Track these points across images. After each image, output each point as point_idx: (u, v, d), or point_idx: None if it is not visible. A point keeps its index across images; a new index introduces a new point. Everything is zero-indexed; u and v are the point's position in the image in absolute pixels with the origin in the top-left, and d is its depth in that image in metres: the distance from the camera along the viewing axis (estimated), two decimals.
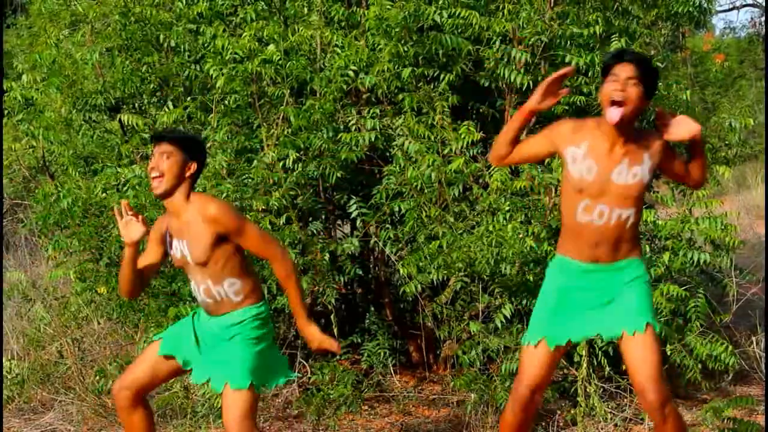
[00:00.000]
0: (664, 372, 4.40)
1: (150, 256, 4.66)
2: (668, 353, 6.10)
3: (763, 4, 32.44)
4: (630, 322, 4.28)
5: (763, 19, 32.23)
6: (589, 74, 6.56)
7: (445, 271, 6.19)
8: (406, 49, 6.41)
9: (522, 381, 4.43)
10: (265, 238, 4.52)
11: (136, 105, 7.21)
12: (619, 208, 4.26)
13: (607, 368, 6.20)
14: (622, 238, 4.32)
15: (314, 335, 4.65)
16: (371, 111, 6.50)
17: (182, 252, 4.50)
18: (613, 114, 4.15)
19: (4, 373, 6.89)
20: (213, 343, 4.55)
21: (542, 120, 6.75)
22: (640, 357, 4.24)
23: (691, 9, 7.20)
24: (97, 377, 6.55)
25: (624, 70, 4.16)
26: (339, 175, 6.32)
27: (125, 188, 6.56)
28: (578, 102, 6.56)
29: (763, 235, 13.05)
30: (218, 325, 4.52)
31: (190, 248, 4.46)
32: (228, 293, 4.49)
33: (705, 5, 7.44)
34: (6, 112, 7.47)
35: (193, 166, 4.50)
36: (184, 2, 6.83)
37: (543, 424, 6.03)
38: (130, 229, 4.51)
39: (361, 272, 7.00)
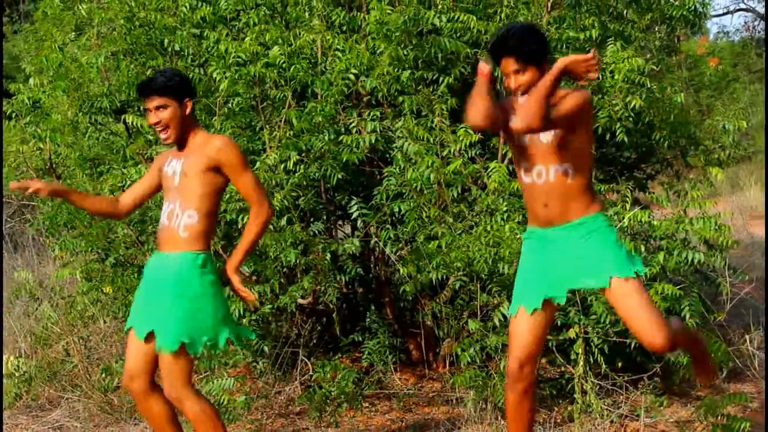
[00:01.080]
0: (659, 312, 4.46)
1: (143, 183, 4.85)
2: None
3: (756, 8, 32.48)
4: (608, 273, 4.40)
5: (756, 23, 32.24)
6: None
7: (444, 271, 6.25)
8: (405, 52, 6.48)
9: (510, 354, 4.57)
10: (258, 183, 4.71)
11: (141, 107, 7.27)
12: (552, 164, 4.44)
13: (604, 366, 6.25)
14: (569, 195, 4.47)
15: (235, 282, 4.75)
16: (371, 113, 6.57)
17: (174, 170, 4.65)
18: (521, 100, 4.37)
19: (12, 371, 6.96)
20: (152, 289, 4.71)
21: None
22: (632, 309, 4.37)
23: (685, 13, 7.27)
24: (103, 375, 6.61)
25: (507, 66, 4.38)
26: (340, 176, 6.38)
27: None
28: None
29: (756, 235, 13.12)
30: (158, 265, 4.68)
31: (184, 165, 4.62)
32: (181, 223, 4.59)
33: (700, 9, 7.52)
34: (14, 114, 7.54)
35: (189, 104, 4.69)
36: (188, 7, 6.89)
37: (540, 420, 6.07)
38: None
39: (361, 272, 7.05)
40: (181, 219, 4.59)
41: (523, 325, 4.55)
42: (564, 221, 4.49)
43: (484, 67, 4.38)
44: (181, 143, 4.70)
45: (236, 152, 4.64)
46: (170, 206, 4.62)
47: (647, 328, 4.35)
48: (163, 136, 4.65)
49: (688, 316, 6.21)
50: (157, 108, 4.62)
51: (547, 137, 4.44)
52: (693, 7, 7.43)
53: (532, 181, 4.49)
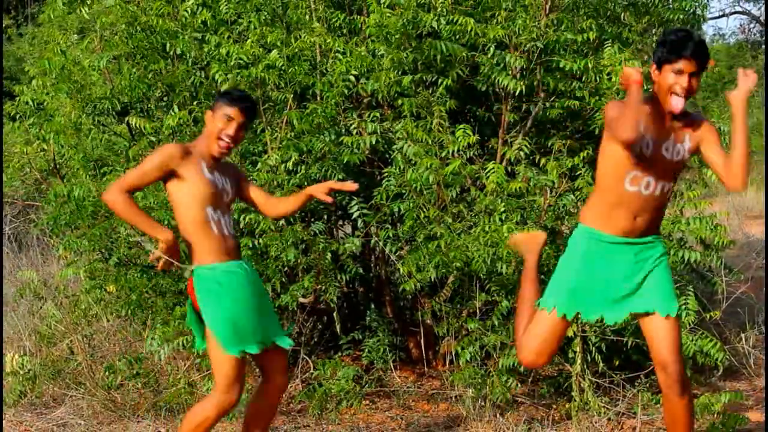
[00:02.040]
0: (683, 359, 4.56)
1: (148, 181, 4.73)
2: None
3: (751, 11, 32.51)
4: (664, 305, 4.47)
5: (751, 26, 32.27)
6: (583, 79, 6.69)
7: (444, 270, 6.30)
8: (405, 55, 6.54)
9: (542, 348, 4.67)
10: None
11: (144, 109, 7.32)
12: (662, 180, 4.46)
13: (601, 364, 6.30)
14: (659, 213, 4.55)
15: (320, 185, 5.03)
16: (371, 115, 6.63)
17: (223, 186, 4.76)
18: (677, 103, 4.38)
19: (17, 369, 7.01)
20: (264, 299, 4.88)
21: (537, 123, 6.91)
22: (667, 335, 4.44)
23: (683, 16, 7.32)
24: (107, 373, 6.66)
25: (688, 66, 4.34)
26: (340, 177, 6.44)
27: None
28: (572, 106, 6.69)
29: (752, 235, 13.17)
30: (254, 275, 4.85)
31: (231, 186, 4.82)
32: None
33: (699, 12, 7.56)
34: (17, 116, 7.59)
35: None
36: (189, 12, 6.94)
37: (538, 418, 6.13)
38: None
39: (362, 271, 7.11)
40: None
41: (563, 328, 4.65)
42: (639, 236, 4.53)
43: (636, 74, 4.38)
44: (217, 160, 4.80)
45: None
46: (225, 218, 4.75)
47: (676, 352, 4.46)
48: (224, 149, 4.74)
49: (684, 314, 6.27)
50: (242, 126, 4.76)
51: (671, 154, 4.45)
52: (692, 10, 7.48)
53: (637, 191, 4.46)
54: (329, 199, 4.95)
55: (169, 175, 4.64)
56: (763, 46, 31.99)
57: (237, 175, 4.97)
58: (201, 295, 4.61)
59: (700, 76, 4.43)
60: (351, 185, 4.93)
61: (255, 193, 5.03)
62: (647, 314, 4.51)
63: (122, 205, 4.57)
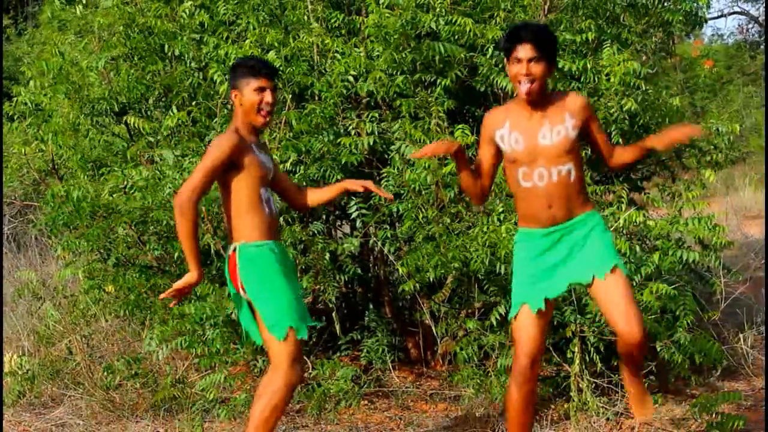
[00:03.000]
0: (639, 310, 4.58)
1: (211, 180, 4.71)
2: (658, 349, 6.21)
3: (750, 11, 32.60)
4: (597, 267, 4.54)
5: (750, 26, 32.36)
6: (582, 80, 6.70)
7: (442, 271, 6.31)
8: (404, 55, 6.54)
9: (519, 352, 4.63)
10: None
11: (142, 109, 7.32)
12: (555, 166, 4.54)
13: (599, 364, 6.30)
14: (571, 194, 4.59)
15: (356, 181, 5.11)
16: (370, 115, 6.63)
17: (269, 165, 4.81)
18: (523, 89, 4.50)
19: (16, 369, 7.01)
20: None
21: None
22: (615, 300, 4.50)
23: (682, 18, 7.33)
24: (105, 373, 6.68)
25: (525, 52, 4.47)
26: (339, 177, 6.44)
27: (132, 190, 6.69)
28: None
29: (750, 236, 13.19)
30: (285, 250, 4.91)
31: (272, 164, 4.86)
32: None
33: (700, 13, 7.58)
34: (15, 116, 7.59)
35: None
36: (187, 13, 6.95)
37: (537, 418, 6.11)
38: None
39: (360, 271, 7.12)
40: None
41: (529, 325, 4.63)
42: (566, 219, 4.60)
43: (448, 146, 4.62)
44: (256, 132, 4.84)
45: None
46: (272, 195, 4.85)
47: (629, 315, 4.48)
48: (267, 117, 4.77)
49: (682, 315, 6.29)
50: (274, 89, 4.78)
51: (552, 139, 4.54)
52: (694, 12, 7.50)
53: (533, 184, 4.57)
54: (361, 189, 5.00)
55: (229, 167, 4.67)
56: (762, 47, 32.01)
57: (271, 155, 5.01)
58: (248, 272, 4.66)
59: (546, 61, 4.52)
60: (389, 195, 5.11)
61: (286, 179, 5.09)
62: (590, 284, 4.58)
63: (187, 216, 4.55)
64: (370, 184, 5.00)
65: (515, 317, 4.67)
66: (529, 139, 4.56)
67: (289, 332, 4.60)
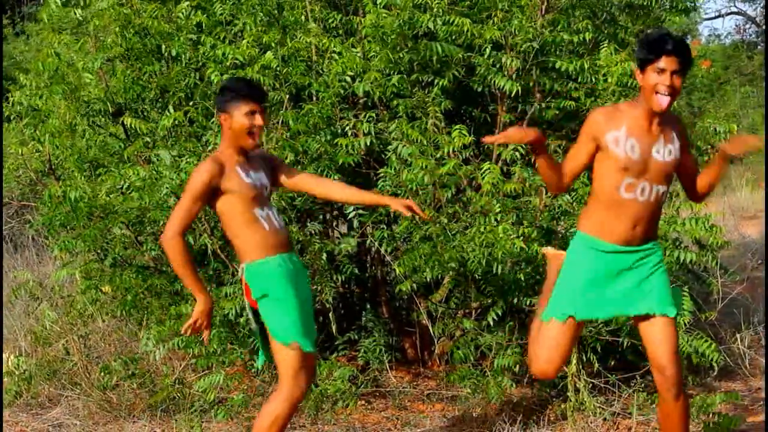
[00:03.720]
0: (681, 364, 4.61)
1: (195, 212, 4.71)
2: None
3: (747, 11, 32.66)
4: (661, 307, 4.52)
5: (747, 26, 32.44)
6: (579, 80, 6.70)
7: (439, 271, 6.32)
8: (401, 55, 6.54)
9: (548, 358, 4.67)
10: None
11: (139, 110, 7.32)
12: (657, 184, 4.49)
13: (596, 364, 6.32)
14: (657, 215, 4.58)
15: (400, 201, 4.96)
16: (367, 115, 6.63)
17: (261, 182, 4.76)
18: (663, 101, 4.38)
19: (12, 369, 7.02)
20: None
21: (533, 124, 6.91)
22: (664, 338, 4.49)
23: (678, 19, 7.35)
24: (102, 373, 6.69)
25: (670, 64, 4.35)
26: (336, 178, 6.44)
27: (129, 191, 6.68)
28: (568, 107, 6.71)
29: (747, 236, 13.22)
30: (299, 262, 4.89)
31: (266, 175, 4.82)
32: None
33: (696, 18, 7.61)
34: (12, 116, 7.59)
35: None
36: (184, 14, 6.95)
37: (534, 418, 6.14)
38: None
39: (358, 271, 7.13)
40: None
41: (568, 333, 4.64)
42: (640, 243, 4.56)
43: (531, 134, 4.51)
44: (244, 153, 4.79)
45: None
46: (272, 211, 4.78)
47: (673, 353, 4.50)
48: (255, 137, 4.73)
49: (680, 315, 6.28)
50: (262, 111, 4.74)
51: (664, 156, 4.49)
52: (689, 12, 7.53)
53: (633, 197, 4.49)
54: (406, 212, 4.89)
55: (213, 193, 4.67)
56: (759, 47, 32.08)
57: (270, 163, 4.97)
58: (257, 290, 4.67)
59: (684, 75, 4.46)
60: (425, 214, 5.08)
61: (298, 177, 5.02)
62: (645, 317, 4.55)
63: (176, 250, 4.58)
64: (412, 204, 4.88)
65: (551, 320, 4.67)
66: (645, 150, 4.46)
67: (293, 345, 4.60)
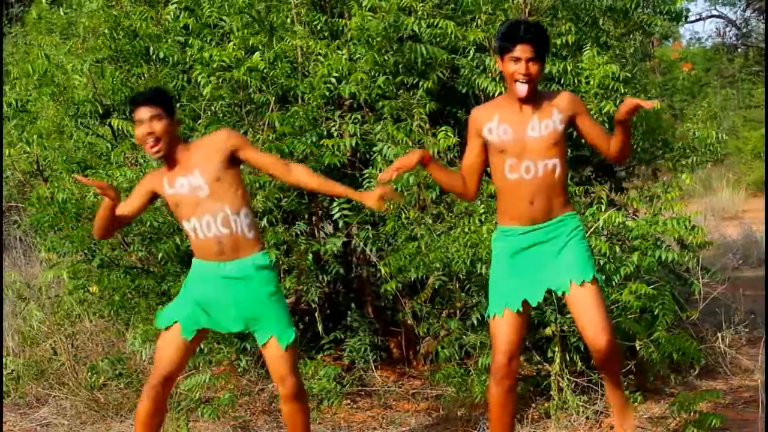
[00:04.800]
0: (611, 321, 4.71)
1: (129, 207, 4.76)
2: (637, 348, 6.28)
3: (728, 15, 32.83)
4: (574, 276, 4.62)
5: (727, 29, 32.60)
6: (562, 81, 6.75)
7: (424, 271, 6.36)
8: (386, 57, 6.60)
9: (497, 350, 4.71)
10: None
11: (126, 111, 7.34)
12: (542, 159, 4.61)
13: (579, 363, 6.36)
14: (554, 191, 4.67)
15: (371, 194, 4.83)
16: (353, 117, 6.68)
17: (192, 184, 4.62)
18: (521, 90, 4.57)
19: None
20: (236, 293, 4.70)
21: None
22: (586, 309, 4.60)
23: (660, 23, 7.42)
24: (90, 373, 6.71)
25: (524, 51, 4.53)
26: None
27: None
28: None
29: (728, 236, 13.31)
30: (239, 269, 4.67)
31: (202, 173, 4.62)
32: (243, 225, 4.65)
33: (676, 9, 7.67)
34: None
35: (175, 123, 4.72)
36: (172, 16, 6.98)
37: (518, 417, 6.14)
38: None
39: (343, 272, 7.17)
40: (241, 221, 4.65)
41: (507, 323, 4.70)
42: (546, 218, 4.67)
43: (413, 157, 4.72)
44: (170, 161, 4.68)
45: (238, 133, 4.83)
46: (221, 215, 4.61)
47: (598, 324, 4.59)
48: (154, 149, 4.59)
49: (661, 314, 6.35)
50: (152, 118, 4.57)
51: (540, 131, 4.62)
52: (673, 14, 7.60)
53: (519, 177, 4.62)
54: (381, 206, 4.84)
55: (155, 197, 4.77)
56: (740, 50, 32.21)
57: (221, 151, 4.68)
58: None
59: (541, 59, 4.61)
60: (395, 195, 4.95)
61: (269, 163, 4.85)
62: (565, 292, 4.67)
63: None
64: (383, 193, 4.78)
65: (493, 316, 4.75)
66: (518, 131, 4.62)
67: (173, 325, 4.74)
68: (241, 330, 4.77)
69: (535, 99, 4.64)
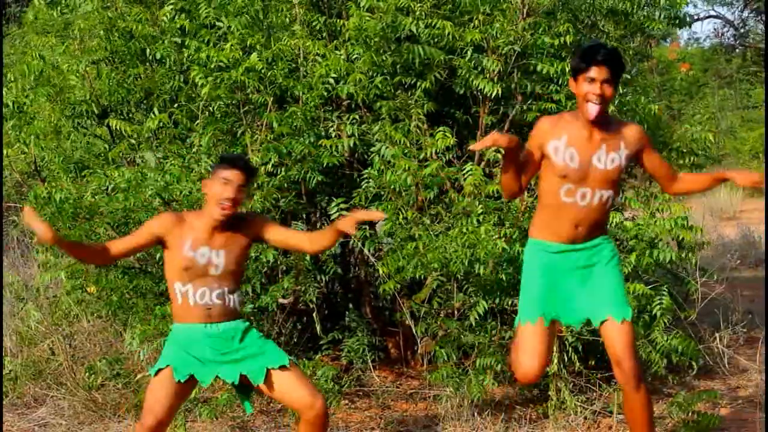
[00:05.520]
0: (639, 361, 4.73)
1: (137, 242, 4.75)
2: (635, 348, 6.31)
3: (725, 15, 32.87)
4: (617, 311, 4.65)
5: (725, 29, 32.64)
6: (560, 82, 6.76)
7: (422, 271, 6.36)
8: (384, 58, 6.60)
9: (525, 361, 4.76)
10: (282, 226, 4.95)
11: (124, 112, 7.35)
12: (600, 189, 4.62)
13: (578, 364, 6.38)
14: (600, 219, 4.70)
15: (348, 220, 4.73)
16: (351, 117, 6.68)
17: (210, 260, 4.66)
18: (592, 110, 4.53)
19: None
20: (225, 349, 4.72)
21: (514, 126, 6.97)
22: (621, 337, 4.62)
23: (660, 26, 7.43)
24: (88, 373, 6.70)
25: (600, 73, 4.51)
26: (319, 179, 6.48)
27: (114, 192, 6.71)
28: (549, 109, 6.75)
29: (726, 237, 13.32)
30: (225, 331, 4.71)
31: (227, 255, 4.69)
32: (236, 302, 4.75)
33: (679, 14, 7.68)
34: None
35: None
36: (168, 17, 6.98)
37: (516, 417, 6.19)
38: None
39: (341, 272, 7.17)
40: (235, 299, 4.75)
41: (543, 334, 4.74)
42: (586, 240, 4.70)
43: (499, 138, 4.58)
44: (210, 227, 4.70)
45: (264, 216, 5.06)
46: (217, 291, 4.67)
47: (629, 371, 4.63)
48: (226, 210, 4.63)
49: (659, 314, 6.36)
50: (240, 185, 4.65)
51: (605, 164, 4.62)
52: (674, 18, 7.62)
53: (573, 201, 4.63)
54: (353, 232, 4.75)
55: (162, 242, 4.72)
56: (738, 50, 32.23)
57: (253, 233, 4.81)
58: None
59: (616, 84, 4.60)
60: (379, 215, 4.86)
61: (287, 236, 4.90)
62: (602, 323, 4.69)
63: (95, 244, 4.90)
64: (360, 215, 4.76)
65: (527, 324, 4.77)
66: (585, 160, 4.60)
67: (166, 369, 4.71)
68: (235, 380, 4.77)
69: (604, 125, 4.63)
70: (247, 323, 4.81)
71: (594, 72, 4.51)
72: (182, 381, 4.65)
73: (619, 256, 4.85)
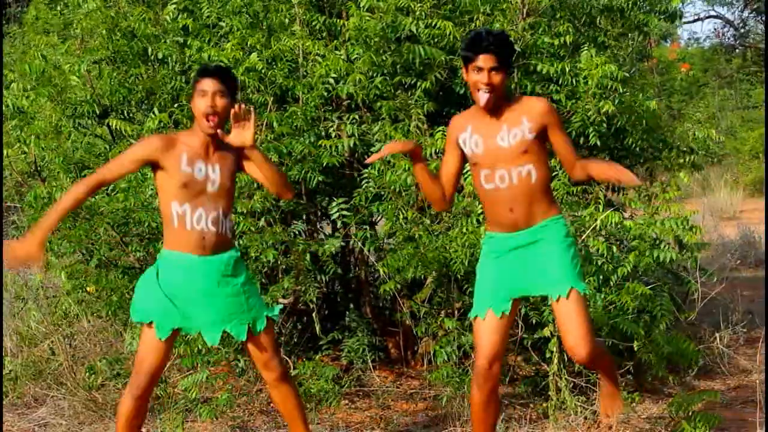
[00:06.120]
0: (592, 329, 4.74)
1: (116, 173, 4.73)
2: (635, 349, 6.30)
3: (726, 15, 32.90)
4: (556, 288, 4.67)
5: (725, 29, 32.68)
6: (560, 82, 6.77)
7: (422, 271, 6.38)
8: (384, 58, 6.60)
9: (479, 353, 4.76)
10: None
11: (124, 111, 7.35)
12: (515, 166, 4.64)
13: (577, 364, 6.40)
14: (533, 197, 4.69)
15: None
16: (351, 117, 6.68)
17: (208, 175, 4.64)
18: (482, 99, 4.61)
19: None
20: (211, 293, 4.69)
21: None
22: (567, 318, 4.64)
23: (657, 22, 7.43)
24: (88, 373, 6.71)
25: (486, 62, 4.57)
26: (319, 179, 6.49)
27: (114, 192, 6.72)
28: None
29: (726, 237, 13.32)
30: (218, 265, 4.69)
31: (222, 169, 4.68)
32: (227, 228, 4.73)
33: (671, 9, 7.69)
34: None
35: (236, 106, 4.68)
36: (171, 17, 6.98)
37: (516, 417, 6.19)
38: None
39: (341, 272, 7.17)
40: (226, 224, 4.72)
41: (490, 326, 4.75)
42: (529, 225, 4.71)
43: (403, 145, 4.78)
44: (204, 142, 4.68)
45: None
46: (212, 214, 4.64)
47: (576, 334, 4.63)
48: (210, 123, 4.59)
49: (659, 315, 6.36)
50: (216, 93, 4.60)
51: (509, 141, 4.65)
52: (669, 14, 7.62)
53: (494, 186, 4.68)
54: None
55: (153, 166, 4.65)
56: (738, 50, 32.24)
57: (237, 151, 4.76)
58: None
59: (505, 70, 4.64)
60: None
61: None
62: (552, 300, 4.73)
63: (69, 191, 4.68)
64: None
65: (475, 318, 4.81)
66: (489, 143, 4.67)
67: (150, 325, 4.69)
68: (215, 340, 4.77)
69: (504, 107, 4.69)
70: (239, 253, 4.80)
71: (481, 61, 4.56)
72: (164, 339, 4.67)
73: (570, 234, 4.83)
